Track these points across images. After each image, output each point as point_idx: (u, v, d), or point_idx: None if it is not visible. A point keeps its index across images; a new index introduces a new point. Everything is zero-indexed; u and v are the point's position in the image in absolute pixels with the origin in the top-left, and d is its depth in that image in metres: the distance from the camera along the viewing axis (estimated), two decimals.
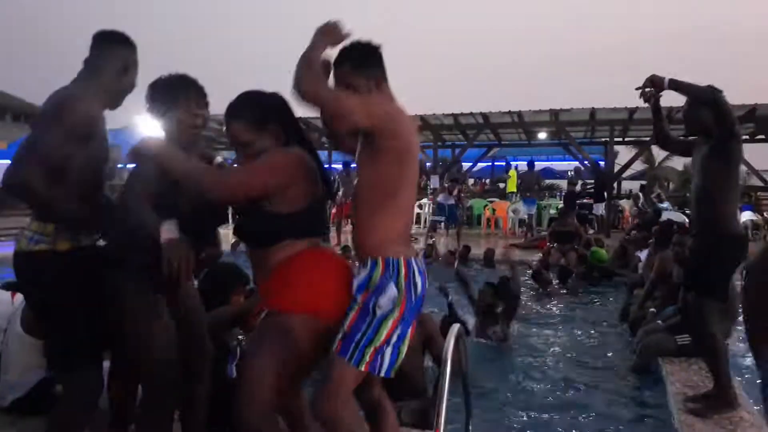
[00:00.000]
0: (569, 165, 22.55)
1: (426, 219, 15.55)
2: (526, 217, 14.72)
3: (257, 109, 2.02)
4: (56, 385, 3.01)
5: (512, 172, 17.99)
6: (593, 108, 13.83)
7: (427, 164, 16.11)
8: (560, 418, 3.53)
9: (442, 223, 13.26)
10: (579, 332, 5.64)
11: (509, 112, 14.73)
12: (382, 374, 1.96)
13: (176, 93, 2.25)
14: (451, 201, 12.98)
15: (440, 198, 13.14)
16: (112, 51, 2.26)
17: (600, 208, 14.55)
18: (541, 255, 9.69)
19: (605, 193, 14.56)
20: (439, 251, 10.33)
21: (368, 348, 1.90)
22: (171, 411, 2.32)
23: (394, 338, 1.93)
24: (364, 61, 2.03)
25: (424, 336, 3.56)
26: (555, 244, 9.85)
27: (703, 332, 3.27)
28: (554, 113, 14.48)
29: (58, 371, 2.25)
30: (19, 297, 3.38)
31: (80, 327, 2.11)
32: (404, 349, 1.99)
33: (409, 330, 1.99)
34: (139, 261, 2.09)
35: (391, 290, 1.92)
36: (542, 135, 17.27)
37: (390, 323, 1.91)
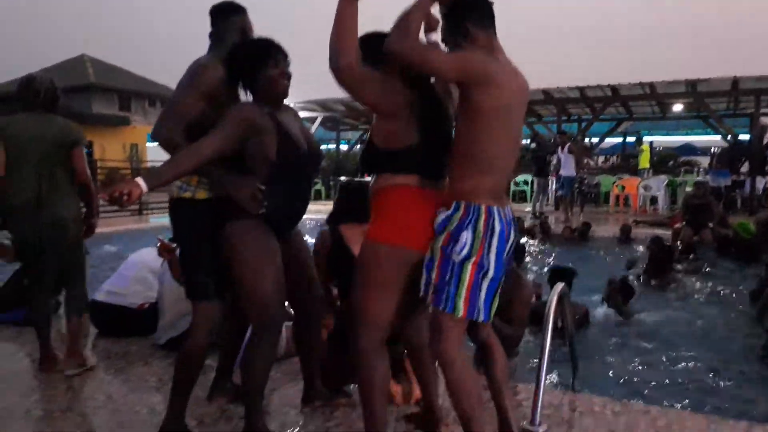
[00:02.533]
0: (711, 140, 20.90)
1: (549, 196, 15.22)
2: (658, 194, 13.96)
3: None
4: None
5: (644, 147, 17.00)
6: (735, 77, 12.71)
7: (551, 140, 15.67)
8: (670, 391, 3.50)
9: (566, 198, 12.88)
10: (706, 311, 5.40)
11: (640, 84, 13.94)
12: (481, 319, 2.12)
13: (265, 54, 2.49)
14: (570, 172, 12.53)
15: (563, 171, 12.70)
16: (228, 20, 2.59)
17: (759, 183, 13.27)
18: (671, 232, 9.20)
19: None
20: (551, 228, 10.09)
21: (458, 297, 2.05)
22: (275, 352, 2.57)
23: (481, 282, 2.06)
24: (472, 12, 2.11)
25: (522, 295, 3.66)
26: (687, 221, 9.28)
27: None
28: (691, 83, 13.49)
29: (190, 298, 2.59)
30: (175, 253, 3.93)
31: (206, 265, 2.49)
32: (496, 295, 2.14)
33: (497, 276, 2.10)
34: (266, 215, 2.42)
35: (466, 236, 2.04)
36: (678, 107, 16.12)
37: (470, 268, 2.05)
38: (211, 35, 2.61)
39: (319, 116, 18.48)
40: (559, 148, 12.85)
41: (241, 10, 2.62)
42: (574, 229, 9.87)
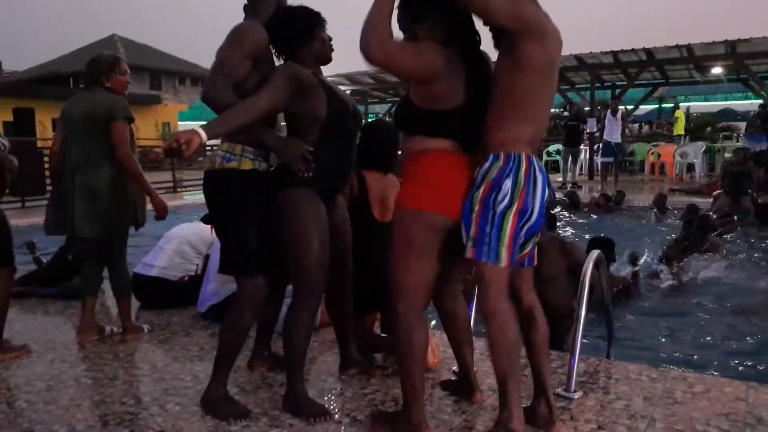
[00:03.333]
0: (753, 104, 20.19)
1: (583, 165, 14.97)
2: (695, 161, 13.63)
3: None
4: None
5: (679, 113, 16.53)
6: None
7: (586, 108, 15.35)
8: (704, 350, 3.48)
9: (610, 166, 12.62)
10: (744, 280, 5.31)
11: (677, 46, 13.48)
12: (526, 263, 2.16)
13: (316, 19, 2.54)
14: (618, 138, 12.26)
15: (610, 137, 12.38)
16: None
17: None
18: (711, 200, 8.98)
19: None
20: (580, 201, 9.89)
21: (501, 246, 2.04)
22: (315, 320, 2.65)
23: (522, 231, 2.07)
24: None
25: (569, 263, 3.65)
26: (725, 189, 9.05)
27: None
28: (730, 45, 13.01)
29: (231, 275, 2.65)
30: None
31: (252, 237, 2.49)
32: (534, 238, 2.17)
33: (538, 223, 2.10)
34: (314, 182, 2.45)
35: (507, 184, 2.03)
36: (717, 70, 15.56)
37: (511, 217, 2.04)
38: (246, 6, 2.63)
39: (347, 90, 18.45)
40: (609, 112, 12.55)
41: None
42: (609, 197, 9.70)
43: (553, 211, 5.48)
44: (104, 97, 3.41)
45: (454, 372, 2.84)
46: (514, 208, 2.04)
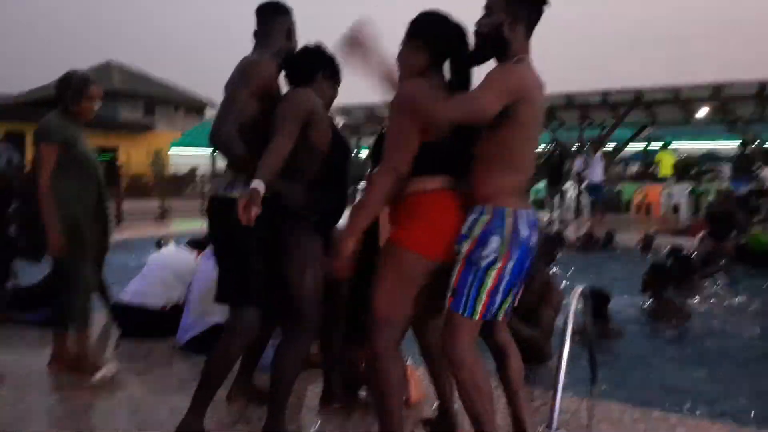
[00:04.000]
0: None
1: (570, 205, 15.09)
2: (681, 202, 13.81)
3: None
4: None
5: (662, 155, 16.78)
6: (762, 81, 12.52)
7: (573, 148, 15.58)
8: (687, 389, 3.47)
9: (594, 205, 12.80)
10: (723, 321, 5.33)
11: (664, 89, 13.78)
12: (493, 317, 2.14)
13: (332, 60, 2.63)
14: (601, 179, 12.46)
15: (593, 177, 12.59)
16: (276, 20, 2.63)
17: None
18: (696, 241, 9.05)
19: None
20: (565, 240, 9.94)
21: (478, 301, 2.06)
22: (306, 355, 2.61)
23: (501, 287, 2.08)
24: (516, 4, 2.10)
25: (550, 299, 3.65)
26: (709, 230, 9.14)
27: None
28: (716, 88, 13.31)
29: (228, 304, 2.61)
30: (203, 255, 3.99)
31: (253, 265, 2.48)
32: (512, 297, 2.16)
33: (518, 281, 2.13)
34: (313, 217, 2.47)
35: (494, 241, 2.04)
36: (702, 112, 15.88)
37: (494, 273, 2.05)
38: (256, 34, 2.64)
39: (340, 122, 18.58)
40: (590, 154, 12.78)
41: (286, 11, 2.67)
42: (594, 236, 9.75)
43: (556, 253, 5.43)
44: (49, 118, 3.30)
45: (436, 409, 2.81)
46: (498, 265, 2.05)
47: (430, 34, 2.21)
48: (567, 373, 2.66)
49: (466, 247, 2.08)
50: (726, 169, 19.11)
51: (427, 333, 2.54)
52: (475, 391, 2.10)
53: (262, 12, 2.64)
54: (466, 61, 2.24)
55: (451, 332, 2.12)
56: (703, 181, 16.13)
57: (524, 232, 2.08)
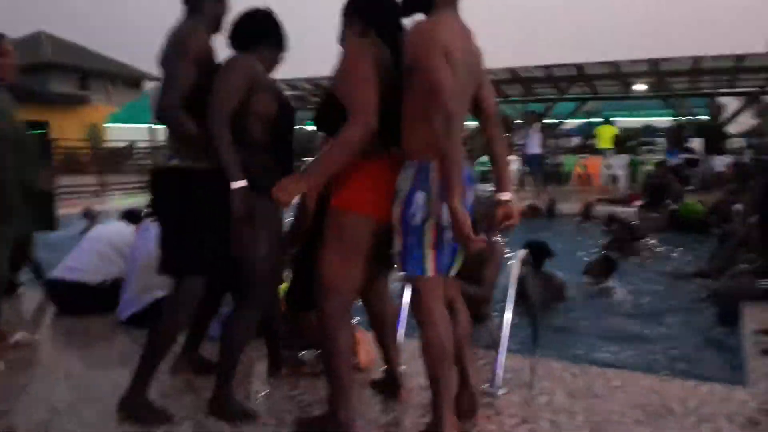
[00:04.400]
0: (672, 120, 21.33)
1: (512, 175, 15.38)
2: (619, 173, 14.28)
3: None
4: None
5: (602, 129, 17.27)
6: (696, 56, 12.99)
7: (516, 121, 15.82)
8: (627, 350, 3.64)
9: (534, 176, 13.10)
10: (662, 286, 5.60)
11: (605, 62, 14.11)
12: (449, 273, 2.17)
13: (277, 25, 2.57)
14: (538, 150, 12.77)
15: (529, 149, 12.91)
16: None
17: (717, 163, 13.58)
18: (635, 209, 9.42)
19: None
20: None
21: (425, 259, 2.08)
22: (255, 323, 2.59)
23: (444, 239, 2.07)
24: None
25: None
26: (646, 200, 9.55)
27: None
28: (653, 63, 13.72)
29: (171, 275, 2.55)
30: (140, 228, 3.87)
31: (201, 236, 2.41)
32: (460, 252, 2.19)
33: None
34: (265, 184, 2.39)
35: (419, 198, 2.04)
36: (640, 87, 16.38)
37: (431, 229, 2.05)
38: (186, 1, 2.54)
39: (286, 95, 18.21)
40: (528, 127, 13.05)
41: None
42: (537, 207, 10.00)
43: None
44: None
45: (383, 371, 2.85)
46: (432, 219, 2.05)
47: (361, 6, 2.26)
48: (512, 332, 2.75)
49: (397, 209, 2.09)
50: (662, 142, 19.88)
51: (373, 298, 2.55)
52: (440, 351, 2.11)
53: None
54: (396, 29, 2.25)
55: (415, 295, 2.14)
56: (640, 152, 16.72)
57: (466, 185, 2.11)
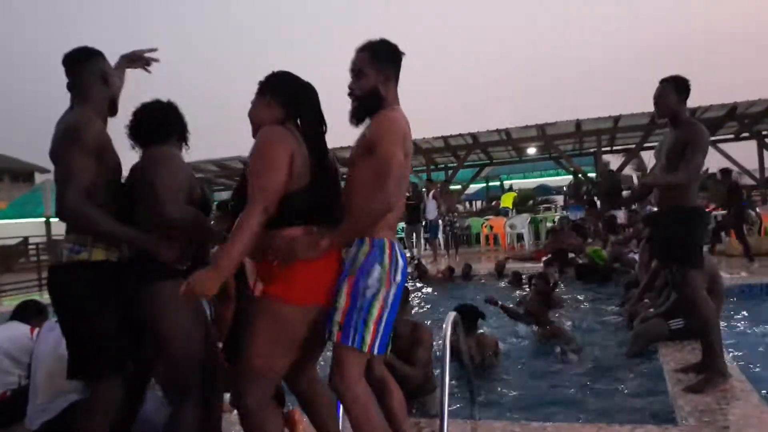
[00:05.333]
0: (563, 180, 22.84)
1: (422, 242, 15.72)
2: (523, 231, 14.95)
3: None
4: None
5: (505, 196, 18.31)
6: (578, 119, 14.16)
7: (423, 189, 16.35)
8: (562, 398, 3.70)
9: (435, 241, 13.49)
10: (582, 327, 5.83)
11: (497, 131, 15.07)
12: (378, 352, 2.14)
13: (172, 125, 2.53)
14: (435, 216, 13.28)
15: (428, 215, 13.36)
16: (86, 67, 2.42)
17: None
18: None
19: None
20: (429, 271, 10.40)
21: (366, 332, 2.08)
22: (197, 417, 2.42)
23: (386, 315, 2.12)
24: (383, 56, 2.26)
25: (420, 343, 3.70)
26: (552, 254, 10.04)
27: (694, 302, 3.42)
28: (540, 128, 14.83)
29: (84, 379, 2.37)
30: (43, 328, 3.55)
31: (109, 335, 2.25)
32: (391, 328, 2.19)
33: (395, 309, 2.17)
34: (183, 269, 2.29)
35: (376, 270, 2.10)
36: (531, 150, 17.58)
37: (379, 303, 2.10)
38: (70, 87, 2.43)
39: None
40: (427, 194, 13.54)
41: (96, 53, 2.47)
42: (452, 270, 10.21)
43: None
44: None
45: None
46: (382, 293, 2.10)
47: (280, 91, 2.25)
48: (453, 397, 2.73)
49: (347, 283, 2.10)
50: (558, 199, 21.12)
51: (304, 382, 2.46)
52: (369, 425, 2.08)
53: (69, 62, 2.43)
54: (316, 116, 2.29)
55: (341, 368, 2.10)
56: (539, 211, 17.68)
57: (401, 261, 2.17)
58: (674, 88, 3.47)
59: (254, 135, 2.24)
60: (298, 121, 2.26)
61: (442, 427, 2.64)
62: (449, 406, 2.63)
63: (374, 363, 2.32)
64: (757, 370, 4.10)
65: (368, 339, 2.09)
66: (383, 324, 2.12)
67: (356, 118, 2.30)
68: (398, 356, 3.39)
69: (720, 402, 3.13)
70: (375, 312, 2.09)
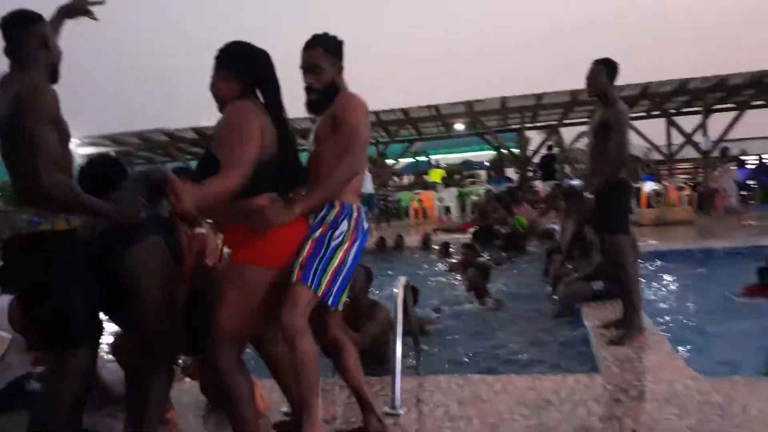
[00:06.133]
0: (486, 155, 23.55)
1: None
2: (451, 204, 15.42)
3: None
4: (30, 382, 3.15)
5: (433, 172, 18.79)
6: (504, 96, 14.63)
7: None
8: (499, 355, 4.01)
9: (372, 213, 13.71)
10: (513, 291, 6.22)
11: (428, 106, 15.33)
12: (331, 303, 2.28)
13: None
14: (371, 190, 13.48)
15: (363, 189, 13.58)
16: (28, 31, 2.33)
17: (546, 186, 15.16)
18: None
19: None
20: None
21: (324, 274, 2.22)
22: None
23: (344, 270, 2.28)
24: (334, 50, 2.43)
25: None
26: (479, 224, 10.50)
27: (623, 264, 3.78)
28: (468, 104, 15.21)
29: (52, 352, 2.35)
30: None
31: (80, 303, 2.24)
32: (347, 288, 2.35)
33: (352, 268, 2.34)
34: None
35: (344, 225, 2.29)
36: (459, 126, 17.99)
37: (340, 254, 2.27)
38: (8, 52, 2.33)
39: (111, 151, 17.15)
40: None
41: (37, 18, 2.38)
42: (384, 240, 10.44)
43: None
44: None
45: (285, 413, 2.84)
46: (345, 246, 2.28)
47: (235, 62, 2.29)
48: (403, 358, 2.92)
49: (317, 233, 2.25)
50: (482, 174, 21.80)
51: (267, 343, 2.57)
52: (311, 362, 2.21)
53: (8, 26, 2.33)
54: (273, 83, 2.35)
55: (293, 303, 2.19)
56: (465, 185, 18.20)
57: (365, 225, 2.35)
58: (606, 68, 3.77)
59: (220, 109, 2.31)
60: (258, 91, 2.33)
61: (394, 382, 2.84)
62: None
63: (331, 322, 2.45)
64: (672, 325, 4.60)
65: (324, 284, 2.23)
66: (340, 277, 2.27)
67: (316, 109, 2.44)
68: (351, 326, 3.53)
69: (638, 352, 3.51)
70: (336, 261, 2.24)
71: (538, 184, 16.16)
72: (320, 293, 2.23)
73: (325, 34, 2.45)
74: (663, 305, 5.37)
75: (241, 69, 2.29)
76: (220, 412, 2.70)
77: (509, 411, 2.75)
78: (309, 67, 2.40)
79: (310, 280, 2.20)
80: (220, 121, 2.26)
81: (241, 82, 2.28)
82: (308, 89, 2.42)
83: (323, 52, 2.39)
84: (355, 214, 2.33)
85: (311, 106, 2.44)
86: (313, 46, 2.40)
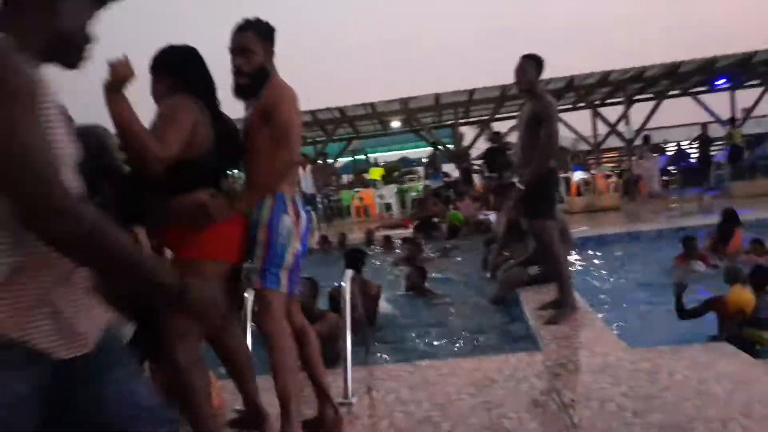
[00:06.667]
0: (423, 151, 23.91)
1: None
2: (391, 201, 15.61)
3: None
4: None
5: (372, 170, 18.98)
6: (437, 93, 14.92)
7: None
8: (445, 341, 4.17)
9: (313, 214, 13.73)
10: (453, 279, 6.40)
11: (363, 104, 15.44)
12: (290, 290, 2.43)
13: None
14: (312, 190, 13.54)
15: (305, 189, 13.59)
16: None
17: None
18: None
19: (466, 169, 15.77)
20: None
21: (282, 274, 2.34)
22: None
23: (297, 260, 2.41)
24: (266, 34, 2.43)
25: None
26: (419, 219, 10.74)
27: (550, 247, 3.98)
28: (404, 101, 15.42)
29: None
30: None
31: None
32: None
33: (302, 253, 2.46)
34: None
35: (286, 220, 2.35)
36: (395, 123, 18.21)
37: (293, 247, 2.37)
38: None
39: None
40: (303, 168, 13.68)
41: None
42: (327, 239, 10.49)
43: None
44: None
45: (237, 411, 2.87)
46: (293, 243, 2.37)
47: (161, 64, 2.35)
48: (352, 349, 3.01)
49: (261, 234, 2.32)
50: (420, 170, 22.16)
51: (225, 337, 2.60)
52: (291, 359, 2.32)
53: None
54: (202, 77, 2.38)
55: (266, 308, 2.32)
56: (404, 181, 18.45)
57: (303, 213, 2.45)
58: (534, 64, 3.96)
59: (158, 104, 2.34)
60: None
61: (346, 372, 2.92)
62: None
63: (293, 312, 2.53)
64: (605, 305, 4.88)
65: (284, 280, 2.35)
66: (295, 267, 2.43)
67: (245, 94, 2.46)
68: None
69: (573, 329, 3.73)
70: (289, 258, 2.36)
71: (476, 179, 16.53)
72: (283, 290, 2.36)
73: (258, 19, 2.45)
74: (596, 284, 5.68)
75: (163, 70, 2.35)
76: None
77: (457, 392, 2.88)
78: (240, 49, 2.39)
79: (269, 282, 2.32)
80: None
81: (165, 83, 2.34)
82: (237, 72, 2.41)
83: (255, 35, 2.39)
84: (290, 204, 2.38)
85: (239, 91, 2.45)
86: (245, 28, 2.40)
